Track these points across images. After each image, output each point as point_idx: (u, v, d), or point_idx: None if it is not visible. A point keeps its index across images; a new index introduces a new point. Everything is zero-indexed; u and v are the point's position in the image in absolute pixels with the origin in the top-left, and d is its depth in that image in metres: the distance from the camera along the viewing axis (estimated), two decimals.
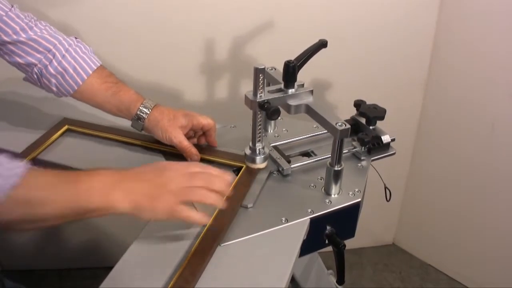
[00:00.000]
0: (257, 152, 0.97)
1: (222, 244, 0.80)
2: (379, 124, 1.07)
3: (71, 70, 0.97)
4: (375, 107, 1.08)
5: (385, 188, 1.07)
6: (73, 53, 0.98)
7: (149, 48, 1.42)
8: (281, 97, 0.92)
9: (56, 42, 0.97)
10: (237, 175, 0.97)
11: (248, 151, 0.98)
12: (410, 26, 1.53)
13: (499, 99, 1.50)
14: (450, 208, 1.78)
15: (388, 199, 1.08)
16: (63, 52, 0.97)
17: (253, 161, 0.97)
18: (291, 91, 0.92)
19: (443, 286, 1.87)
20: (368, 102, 1.09)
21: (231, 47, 1.45)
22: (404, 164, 1.83)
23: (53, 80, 0.97)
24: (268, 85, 0.99)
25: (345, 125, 0.84)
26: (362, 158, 1.02)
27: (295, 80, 0.92)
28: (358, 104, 1.09)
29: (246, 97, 0.91)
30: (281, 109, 0.91)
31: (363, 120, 1.07)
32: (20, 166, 0.64)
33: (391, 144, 1.05)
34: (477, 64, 1.52)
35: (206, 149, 1.03)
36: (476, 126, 1.59)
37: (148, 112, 0.97)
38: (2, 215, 0.63)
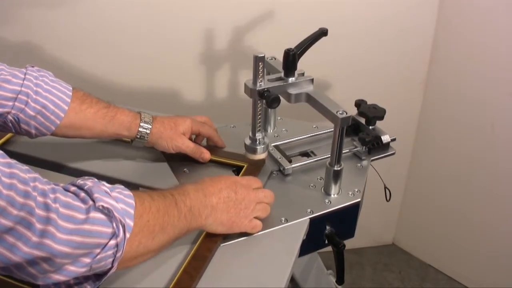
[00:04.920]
0: (258, 142, 0.96)
1: (222, 244, 0.80)
2: (378, 124, 1.07)
3: (51, 105, 0.84)
4: (374, 107, 1.08)
5: (385, 188, 1.07)
6: (44, 85, 0.84)
7: (147, 47, 1.42)
8: (281, 86, 0.91)
9: (20, 80, 0.82)
10: (236, 174, 0.97)
11: (248, 142, 0.97)
12: (409, 25, 1.53)
13: (499, 98, 1.50)
14: (450, 208, 1.78)
15: (388, 199, 1.08)
16: (34, 87, 0.83)
17: (254, 151, 0.96)
18: (291, 79, 0.92)
19: (443, 286, 1.87)
20: (368, 102, 1.09)
21: (231, 46, 1.45)
22: (403, 164, 1.83)
23: (33, 122, 0.84)
24: (268, 75, 0.98)
25: (346, 113, 0.84)
26: (362, 158, 1.02)
27: (295, 68, 0.92)
28: (359, 104, 1.09)
29: (245, 85, 0.90)
30: (281, 101, 0.90)
31: (363, 120, 1.07)
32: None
33: (391, 144, 1.05)
34: (477, 63, 1.52)
35: (208, 149, 1.03)
36: (476, 125, 1.59)
37: (150, 127, 0.93)
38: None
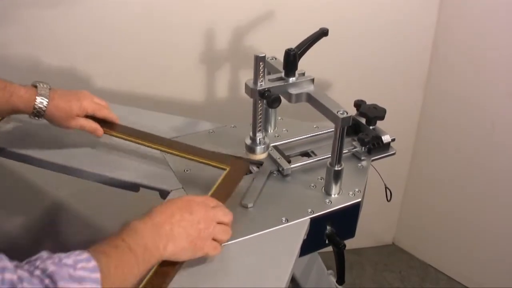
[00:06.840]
0: (258, 142, 0.96)
1: (222, 244, 0.80)
2: (379, 124, 1.07)
3: None
4: (375, 107, 1.08)
5: (386, 188, 1.07)
6: None
7: (148, 47, 1.42)
8: (282, 86, 0.91)
9: None
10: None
11: (248, 141, 0.97)
12: (410, 26, 1.53)
13: (499, 99, 1.50)
14: (450, 208, 1.78)
15: (389, 199, 1.08)
16: None
17: (254, 151, 0.96)
18: (292, 79, 0.92)
19: (443, 286, 1.87)
20: (368, 102, 1.09)
21: (231, 46, 1.45)
22: (404, 164, 1.83)
23: None
24: (269, 74, 0.98)
25: (347, 113, 0.84)
26: (362, 158, 1.02)
27: (295, 68, 0.92)
28: (358, 104, 1.09)
29: (246, 85, 0.90)
30: (282, 101, 0.90)
31: (363, 120, 1.07)
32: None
33: (391, 144, 1.05)
34: (477, 64, 1.52)
35: (191, 149, 0.98)
36: (476, 125, 1.59)
37: (45, 109, 0.95)
38: None
